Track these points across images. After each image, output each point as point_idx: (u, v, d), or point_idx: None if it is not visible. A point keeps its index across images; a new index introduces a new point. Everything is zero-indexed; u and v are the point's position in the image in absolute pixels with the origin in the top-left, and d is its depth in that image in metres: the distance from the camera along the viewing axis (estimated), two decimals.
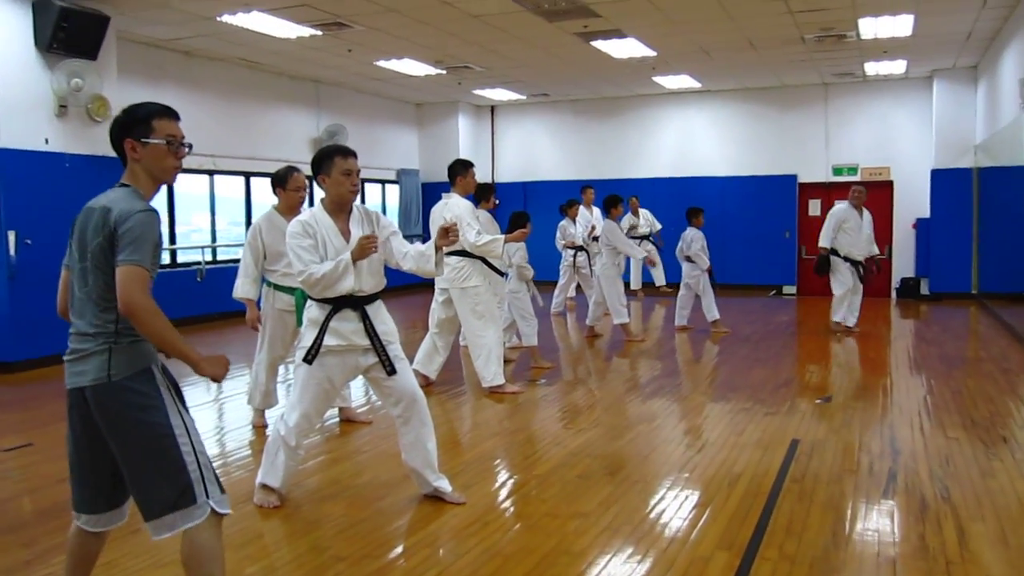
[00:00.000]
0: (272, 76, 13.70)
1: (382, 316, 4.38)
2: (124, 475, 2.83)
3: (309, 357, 4.24)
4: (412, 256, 4.38)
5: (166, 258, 12.18)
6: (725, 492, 4.65)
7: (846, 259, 10.35)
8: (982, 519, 4.19)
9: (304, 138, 14.53)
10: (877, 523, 4.19)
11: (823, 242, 10.39)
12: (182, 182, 12.30)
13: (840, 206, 10.54)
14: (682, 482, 4.87)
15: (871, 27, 10.88)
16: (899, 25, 10.78)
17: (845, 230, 10.30)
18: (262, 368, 6.15)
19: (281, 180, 6.01)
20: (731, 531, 4.08)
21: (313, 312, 4.29)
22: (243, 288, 5.95)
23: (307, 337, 4.29)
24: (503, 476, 5.14)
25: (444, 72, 13.70)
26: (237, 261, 12.88)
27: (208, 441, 6.11)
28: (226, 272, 12.58)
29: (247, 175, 13.39)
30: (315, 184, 4.35)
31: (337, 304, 4.24)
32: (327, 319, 4.23)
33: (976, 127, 14.05)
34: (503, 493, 4.77)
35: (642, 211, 14.68)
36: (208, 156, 12.51)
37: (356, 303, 4.25)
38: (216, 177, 12.85)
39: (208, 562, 2.80)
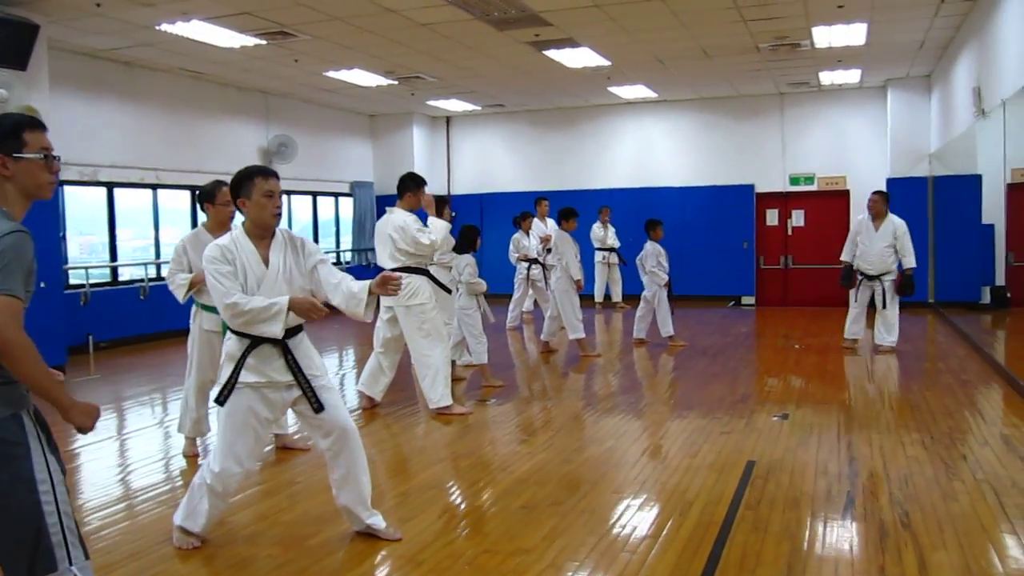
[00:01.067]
0: (218, 87, 13.33)
1: (306, 351, 4.06)
2: None
3: (221, 397, 3.94)
4: (343, 294, 3.99)
5: (107, 275, 11.75)
6: (677, 521, 4.41)
7: (860, 273, 9.87)
8: (944, 546, 3.99)
9: (253, 150, 14.17)
10: (835, 554, 3.98)
11: (844, 254, 9.94)
12: (124, 196, 11.91)
13: (860, 216, 10.08)
14: (632, 511, 4.62)
15: (825, 36, 10.80)
16: (852, 34, 10.71)
17: (859, 241, 9.81)
18: (191, 393, 5.84)
19: (209, 195, 5.69)
20: (682, 566, 3.84)
21: (231, 346, 3.98)
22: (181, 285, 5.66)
23: (223, 373, 3.98)
24: (444, 507, 4.85)
25: (396, 83, 13.43)
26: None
27: (135, 471, 5.80)
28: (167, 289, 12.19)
29: (193, 189, 12.98)
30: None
31: (256, 339, 3.93)
32: (244, 354, 3.92)
33: (930, 136, 14.07)
34: (441, 527, 4.47)
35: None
36: (151, 169, 12.13)
37: (277, 338, 3.95)
38: (161, 191, 12.46)
39: None
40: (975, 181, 11.02)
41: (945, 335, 11.30)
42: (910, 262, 9.58)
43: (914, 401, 7.32)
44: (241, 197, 3.95)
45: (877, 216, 9.72)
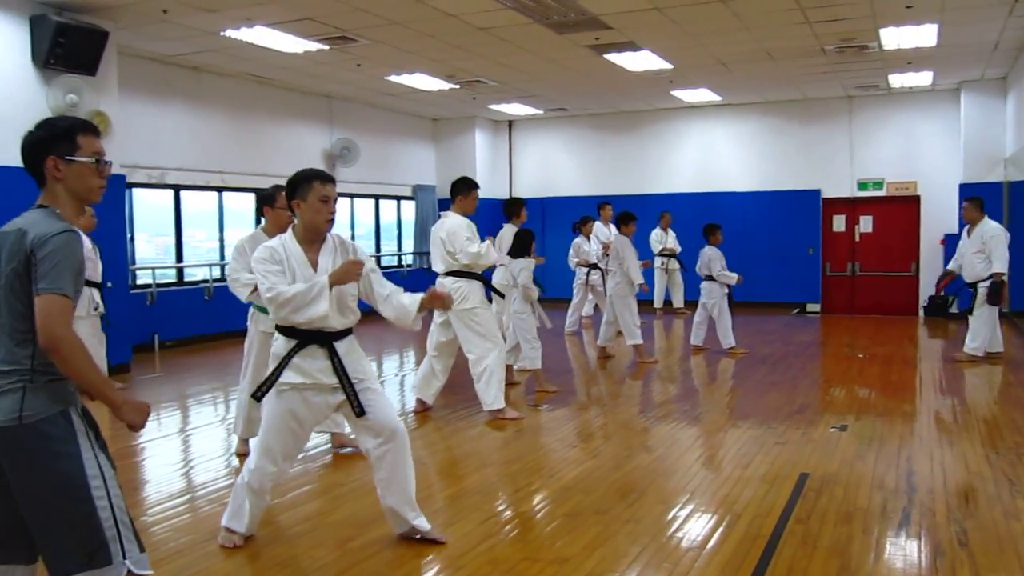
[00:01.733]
0: (282, 91, 13.54)
1: (354, 354, 4.07)
2: (31, 529, 2.54)
3: (259, 394, 3.98)
4: (393, 305, 4.08)
5: (173, 276, 12.02)
6: (723, 533, 4.31)
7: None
8: (1003, 568, 3.83)
9: (317, 153, 14.36)
10: (886, 572, 3.85)
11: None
12: (190, 199, 12.16)
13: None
14: (678, 521, 4.54)
15: (894, 37, 10.51)
16: (923, 35, 10.39)
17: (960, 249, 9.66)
18: (246, 394, 5.91)
19: (269, 199, 5.75)
20: None
21: (279, 345, 4.02)
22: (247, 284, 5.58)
23: (267, 372, 4.03)
24: (488, 512, 4.82)
25: (457, 87, 13.47)
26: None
27: (192, 468, 5.91)
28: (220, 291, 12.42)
29: (258, 191, 13.19)
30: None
31: (304, 339, 3.95)
32: (290, 354, 3.95)
33: (1006, 140, 13.58)
34: (484, 532, 4.45)
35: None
36: (217, 172, 12.37)
37: (324, 339, 3.97)
38: (226, 194, 12.70)
39: None
40: None
41: (1020, 346, 10.88)
42: (995, 267, 9.25)
43: (981, 414, 7.07)
44: (296, 198, 3.99)
45: (971, 222, 9.54)
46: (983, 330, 9.47)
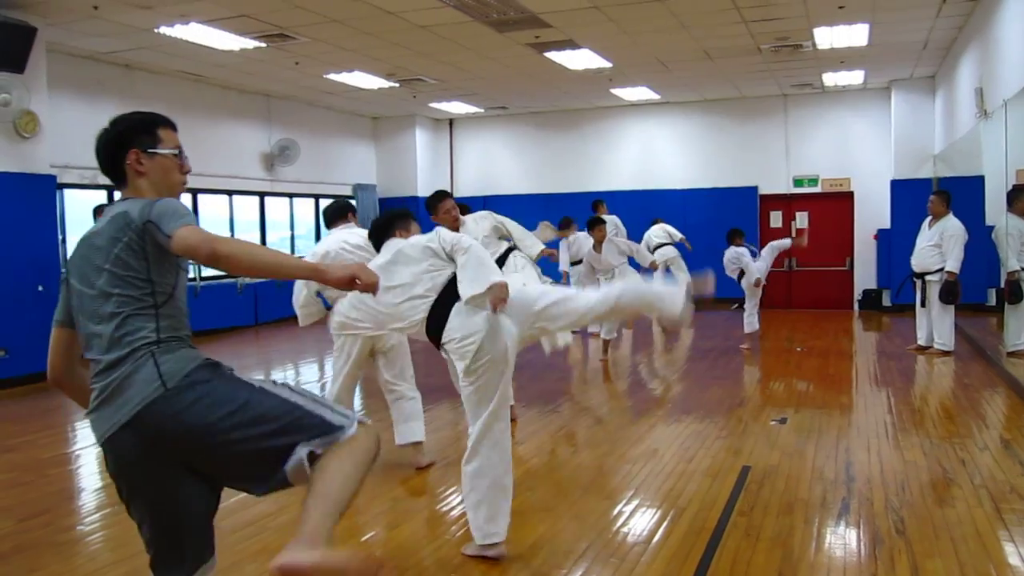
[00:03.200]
0: (219, 90, 13.32)
1: None
2: (230, 479, 2.43)
3: None
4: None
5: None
6: (668, 527, 4.35)
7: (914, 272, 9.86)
8: (939, 554, 3.93)
9: (255, 153, 14.16)
10: (827, 561, 3.91)
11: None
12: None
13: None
14: (623, 517, 4.57)
15: (827, 37, 10.73)
16: (854, 35, 10.63)
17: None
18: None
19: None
20: (671, 573, 3.79)
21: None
22: (307, 316, 5.79)
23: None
24: (433, 513, 4.80)
25: (397, 85, 13.40)
26: (192, 279, 12.69)
27: None
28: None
29: (195, 192, 13.00)
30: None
31: None
32: None
33: (935, 137, 13.96)
34: (429, 533, 4.43)
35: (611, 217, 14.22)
36: None
37: None
38: None
39: (362, 464, 2.39)
40: (979, 183, 10.91)
41: (960, 339, 11.15)
42: (948, 266, 9.37)
43: (916, 405, 7.26)
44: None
45: (935, 216, 9.66)
46: (946, 324, 9.66)
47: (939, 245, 9.49)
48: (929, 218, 9.76)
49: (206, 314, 12.65)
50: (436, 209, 6.05)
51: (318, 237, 15.89)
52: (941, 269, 9.44)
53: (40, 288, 9.12)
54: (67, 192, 11.00)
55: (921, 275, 9.70)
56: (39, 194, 9.27)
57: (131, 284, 2.35)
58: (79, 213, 11.34)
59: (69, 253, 9.26)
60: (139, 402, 2.27)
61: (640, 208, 14.99)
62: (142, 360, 2.31)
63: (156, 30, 9.64)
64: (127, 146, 2.49)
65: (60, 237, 10.50)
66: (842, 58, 12.13)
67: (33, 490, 5.33)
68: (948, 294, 9.41)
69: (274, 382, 2.44)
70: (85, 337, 2.43)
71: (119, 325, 2.34)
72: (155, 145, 2.51)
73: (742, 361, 9.76)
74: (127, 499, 2.44)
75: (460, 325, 3.76)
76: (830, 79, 13.86)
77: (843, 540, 4.17)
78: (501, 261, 6.44)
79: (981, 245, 10.65)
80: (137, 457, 2.33)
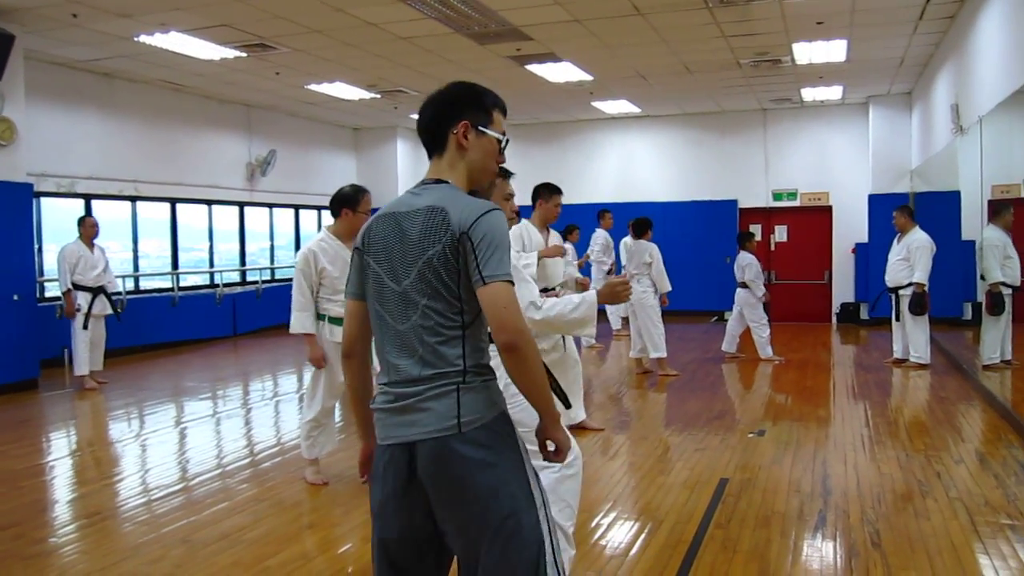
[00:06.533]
0: (199, 99, 13.26)
1: None
2: (461, 560, 2.19)
3: None
4: None
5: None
6: (645, 540, 4.35)
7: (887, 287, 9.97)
8: (913, 566, 3.94)
9: (235, 163, 14.10)
10: (803, 574, 3.92)
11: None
12: (102, 208, 11.80)
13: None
14: (600, 529, 4.56)
15: (806, 52, 10.82)
16: (833, 50, 10.73)
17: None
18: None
19: (351, 200, 5.26)
20: None
21: None
22: (301, 322, 5.25)
23: None
24: None
25: (378, 96, 13.39)
26: (159, 290, 12.63)
27: (99, 488, 5.68)
28: (149, 303, 12.10)
29: (173, 201, 12.92)
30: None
31: None
32: None
33: (912, 152, 14.11)
34: None
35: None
36: (131, 181, 12.04)
37: None
38: (140, 203, 12.37)
39: None
40: (955, 197, 11.01)
41: (934, 351, 11.24)
42: (915, 277, 9.53)
43: (892, 417, 7.30)
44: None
45: (901, 230, 9.83)
46: (920, 337, 9.76)
47: (907, 259, 9.66)
48: (898, 235, 9.88)
49: (184, 325, 12.61)
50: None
51: (298, 247, 15.84)
52: (912, 283, 9.53)
53: (15, 297, 9.01)
54: (44, 200, 10.91)
55: (894, 289, 9.79)
56: (15, 202, 9.19)
57: (442, 295, 2.15)
58: (56, 222, 11.25)
59: (44, 263, 9.05)
60: (430, 431, 2.13)
61: (620, 221, 14.99)
62: (443, 390, 2.13)
63: (135, 39, 9.58)
64: (460, 115, 2.29)
65: (36, 246, 10.42)
66: (820, 73, 12.23)
67: (5, 502, 5.26)
68: (917, 305, 9.57)
69: (540, 487, 2.24)
70: (381, 328, 2.24)
71: (424, 338, 2.15)
72: (487, 124, 2.32)
73: (720, 374, 9.78)
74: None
75: None
76: (809, 94, 13.98)
77: (819, 552, 4.18)
78: None
79: (957, 259, 10.76)
80: (399, 479, 2.20)
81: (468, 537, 2.12)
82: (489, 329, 2.13)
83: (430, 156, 2.33)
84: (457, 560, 2.22)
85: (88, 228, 9.28)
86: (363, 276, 2.28)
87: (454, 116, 2.28)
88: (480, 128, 2.29)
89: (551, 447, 2.23)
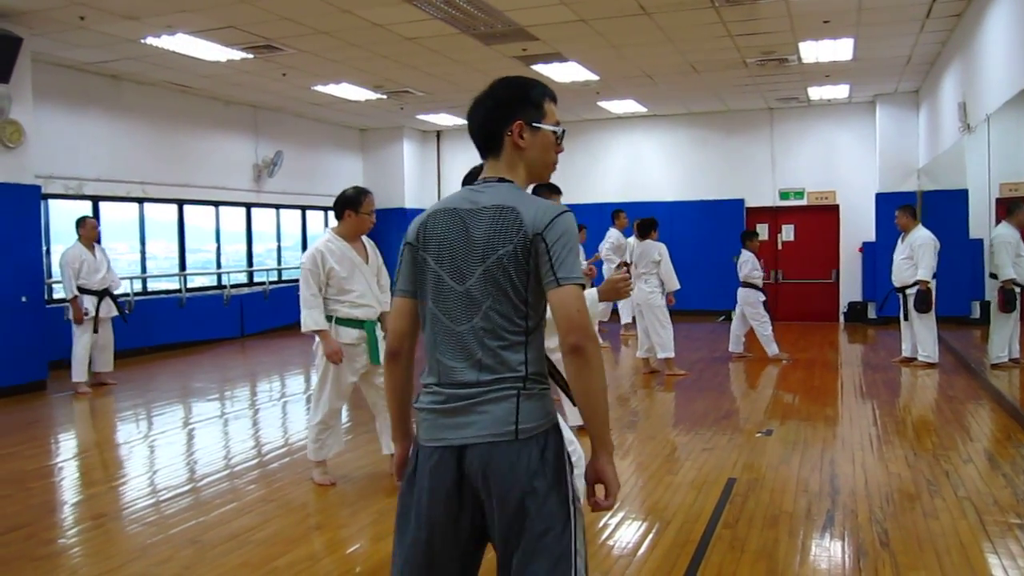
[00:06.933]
0: (206, 100, 13.29)
1: None
2: (499, 561, 2.15)
3: None
4: None
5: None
6: (653, 540, 4.35)
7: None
8: (922, 566, 3.93)
9: (242, 164, 14.13)
10: (810, 573, 3.92)
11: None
12: (110, 210, 11.85)
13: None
14: (608, 529, 4.57)
15: (812, 51, 10.80)
16: (839, 49, 10.71)
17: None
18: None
19: (353, 202, 5.30)
20: None
21: None
22: (314, 319, 5.20)
23: None
24: None
25: (385, 97, 13.41)
26: (167, 292, 12.66)
27: (106, 489, 5.71)
28: (157, 304, 12.14)
29: (180, 202, 12.95)
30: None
31: None
32: None
33: (919, 151, 14.07)
34: None
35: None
36: (138, 183, 12.08)
37: None
38: (148, 205, 12.40)
39: None
40: (962, 196, 10.98)
41: (941, 351, 11.21)
42: (919, 275, 9.52)
43: (900, 416, 7.28)
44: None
45: (903, 229, 9.81)
46: (928, 336, 9.74)
47: (911, 258, 9.64)
48: (902, 234, 9.87)
49: (192, 326, 12.63)
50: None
51: (304, 247, 15.86)
52: (917, 281, 9.53)
53: (24, 299, 9.05)
54: (52, 202, 10.95)
55: (901, 289, 9.78)
56: (23, 204, 9.22)
57: (510, 298, 2.09)
58: (63, 224, 11.29)
59: (52, 265, 9.11)
60: (485, 434, 2.10)
61: (628, 221, 14.98)
62: (502, 393, 2.09)
63: (142, 41, 9.62)
64: (513, 116, 2.21)
65: (44, 248, 10.45)
66: (827, 72, 12.21)
67: (14, 503, 5.28)
68: (921, 303, 9.53)
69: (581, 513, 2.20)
70: (434, 327, 2.18)
71: (484, 341, 2.11)
72: (540, 119, 2.23)
73: (727, 373, 9.77)
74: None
75: None
76: (815, 93, 13.95)
77: (828, 552, 4.17)
78: None
79: (964, 257, 10.73)
80: (445, 482, 2.17)
81: (507, 543, 2.09)
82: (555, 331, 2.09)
83: (484, 157, 2.27)
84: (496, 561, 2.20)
85: (89, 230, 9.22)
86: (418, 273, 2.21)
87: (506, 117, 2.21)
88: (534, 124, 2.23)
89: (600, 493, 2.16)
